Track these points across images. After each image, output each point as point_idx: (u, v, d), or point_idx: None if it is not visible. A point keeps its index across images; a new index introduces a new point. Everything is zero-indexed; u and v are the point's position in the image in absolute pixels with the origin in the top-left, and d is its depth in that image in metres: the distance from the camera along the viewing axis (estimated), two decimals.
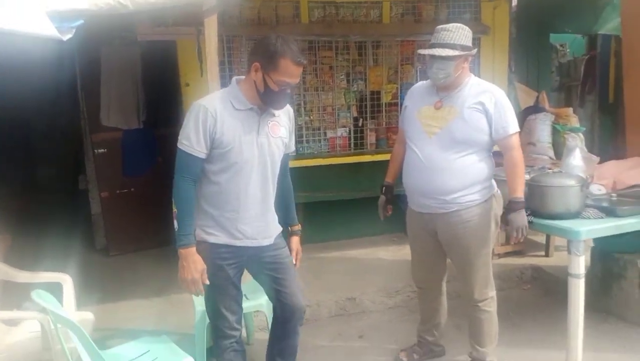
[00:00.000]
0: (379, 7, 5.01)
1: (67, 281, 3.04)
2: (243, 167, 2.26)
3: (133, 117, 5.21)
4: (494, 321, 2.86)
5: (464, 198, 2.62)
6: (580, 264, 2.78)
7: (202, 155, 2.24)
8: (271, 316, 2.67)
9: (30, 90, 6.09)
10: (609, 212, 2.93)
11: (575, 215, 2.90)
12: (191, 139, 2.21)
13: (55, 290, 2.91)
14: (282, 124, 2.39)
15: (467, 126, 2.56)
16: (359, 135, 5.13)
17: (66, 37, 2.16)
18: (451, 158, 2.58)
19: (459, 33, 2.53)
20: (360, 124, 5.13)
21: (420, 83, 2.86)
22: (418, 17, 5.13)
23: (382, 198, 2.99)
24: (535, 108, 5.38)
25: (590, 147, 6.48)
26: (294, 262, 2.62)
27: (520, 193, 2.59)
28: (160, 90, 5.02)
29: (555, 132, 5.28)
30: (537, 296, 4.02)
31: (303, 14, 4.84)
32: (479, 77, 5.23)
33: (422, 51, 2.62)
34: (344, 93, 5.07)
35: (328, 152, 5.06)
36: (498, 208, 2.74)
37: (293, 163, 4.67)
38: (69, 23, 2.17)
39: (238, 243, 2.34)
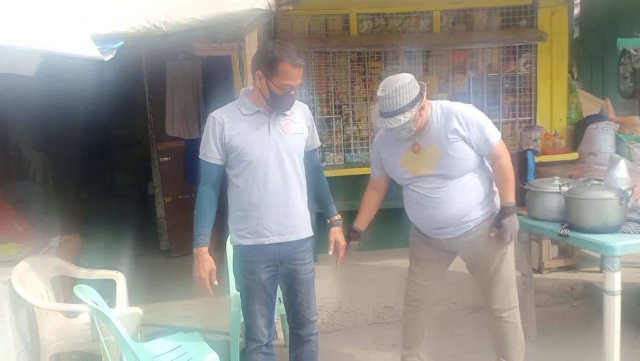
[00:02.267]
0: (429, 17, 5.03)
1: (120, 279, 3.31)
2: (258, 165, 2.38)
3: (194, 127, 5.54)
4: (519, 333, 2.78)
5: (477, 213, 2.61)
6: (615, 280, 2.67)
7: (217, 162, 2.41)
8: None
9: (108, 102, 6.67)
10: None
11: (614, 229, 2.79)
12: (205, 148, 2.42)
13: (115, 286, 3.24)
14: (296, 121, 2.48)
15: (454, 160, 2.51)
16: None
17: (107, 57, 2.40)
18: (455, 186, 2.55)
19: (400, 95, 2.39)
20: None
21: (382, 131, 2.71)
22: (470, 25, 5.08)
23: (353, 244, 2.77)
24: (598, 117, 5.17)
25: None
26: (338, 254, 2.63)
27: (511, 198, 2.57)
28: (219, 102, 5.30)
29: (619, 142, 5.04)
30: (585, 313, 3.83)
31: (352, 26, 4.96)
32: (536, 85, 5.19)
33: (377, 124, 2.53)
34: None
35: None
36: None
37: (340, 172, 4.88)
38: (111, 45, 2.41)
39: (266, 241, 2.43)
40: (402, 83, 2.41)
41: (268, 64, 2.31)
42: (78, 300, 3.38)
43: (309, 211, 2.56)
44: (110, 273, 3.33)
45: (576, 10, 6.06)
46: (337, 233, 2.62)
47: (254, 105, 2.43)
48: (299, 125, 2.49)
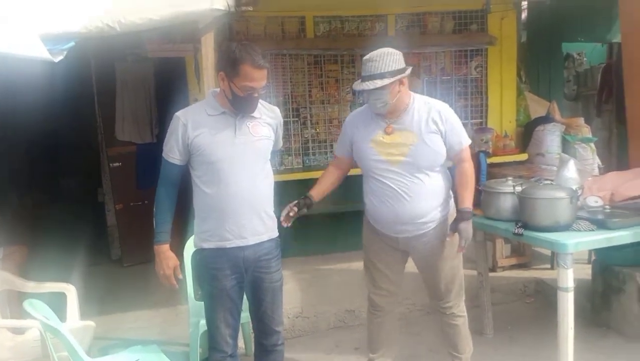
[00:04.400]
0: (384, 20, 5.07)
1: (70, 291, 3.17)
2: (221, 167, 2.34)
3: (146, 132, 5.39)
4: (466, 326, 2.88)
5: (437, 216, 2.64)
6: (568, 277, 2.77)
7: (177, 162, 2.38)
8: None
9: (55, 105, 6.38)
10: (601, 225, 2.91)
11: (566, 228, 2.89)
12: (166, 147, 2.40)
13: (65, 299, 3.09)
14: (264, 124, 2.46)
15: (430, 150, 2.54)
16: None
17: (57, 58, 2.29)
18: (421, 182, 2.56)
19: (384, 60, 2.47)
20: None
21: (359, 110, 2.78)
22: (424, 29, 5.16)
23: (295, 202, 2.69)
24: (545, 119, 5.34)
25: (608, 157, 6.40)
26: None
27: (469, 203, 2.61)
28: (171, 105, 5.17)
29: (566, 143, 5.23)
30: (538, 309, 3.97)
31: (309, 29, 4.94)
32: (487, 88, 5.33)
33: (354, 87, 2.59)
34: (350, 106, 5.13)
35: None
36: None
37: (299, 176, 4.86)
38: (61, 45, 2.31)
39: (227, 244, 2.39)
40: (388, 52, 2.51)
41: (230, 66, 2.28)
42: (25, 315, 3.24)
43: (275, 216, 2.53)
44: (60, 285, 3.19)
45: (524, 15, 6.26)
46: None
47: (220, 106, 2.40)
48: (267, 128, 2.47)
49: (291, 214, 2.65)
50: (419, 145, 2.52)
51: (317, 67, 5.04)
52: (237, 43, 2.34)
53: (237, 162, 2.35)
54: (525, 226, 2.97)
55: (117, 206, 5.36)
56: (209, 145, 2.34)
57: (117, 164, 5.30)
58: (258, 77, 2.28)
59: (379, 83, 2.44)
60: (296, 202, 2.69)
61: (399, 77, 2.47)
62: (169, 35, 4.12)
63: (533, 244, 3.48)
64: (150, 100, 5.38)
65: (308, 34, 4.95)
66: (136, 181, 5.34)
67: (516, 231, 2.98)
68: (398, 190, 2.56)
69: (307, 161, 5.10)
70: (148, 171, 5.33)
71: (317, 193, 2.77)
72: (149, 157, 5.31)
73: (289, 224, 2.66)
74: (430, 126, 2.54)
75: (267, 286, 2.50)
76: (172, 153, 2.37)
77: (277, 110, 2.57)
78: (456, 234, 2.61)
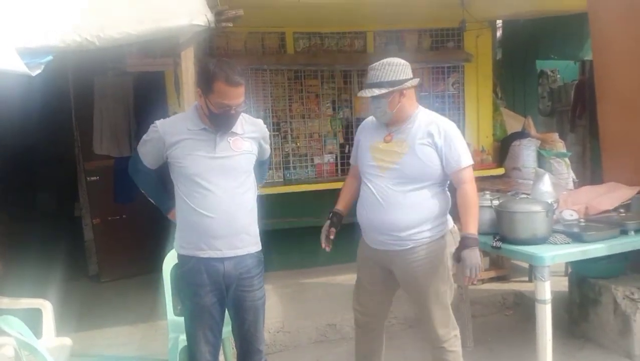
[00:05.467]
0: (363, 37, 5.14)
1: (46, 308, 3.10)
2: (199, 180, 2.34)
3: (125, 145, 5.34)
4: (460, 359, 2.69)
5: (419, 235, 2.51)
6: (546, 290, 2.81)
7: (149, 165, 2.49)
8: None
9: (31, 119, 6.28)
10: (576, 238, 2.97)
11: (542, 241, 2.94)
12: (141, 149, 2.50)
13: (41, 316, 3.02)
14: (247, 139, 2.45)
15: (419, 162, 2.49)
16: (345, 160, 5.20)
17: (35, 72, 2.27)
18: (404, 194, 2.50)
19: (384, 70, 2.49)
20: (347, 150, 5.21)
21: (371, 117, 2.76)
22: (402, 46, 5.25)
23: (327, 223, 2.76)
24: (521, 134, 5.45)
25: (582, 171, 6.55)
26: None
27: (473, 229, 2.43)
28: (150, 119, 5.14)
29: (541, 157, 5.35)
30: (517, 322, 4.02)
31: (289, 45, 4.98)
32: (464, 104, 5.43)
33: (359, 94, 2.61)
34: (330, 120, 5.18)
35: (315, 178, 5.14)
36: (454, 245, 2.58)
37: (280, 189, 4.86)
38: (39, 59, 2.30)
39: (202, 254, 2.37)
40: (390, 62, 2.50)
41: (205, 82, 2.29)
42: None
43: (257, 230, 2.52)
44: (36, 301, 3.11)
45: (499, 33, 6.42)
46: None
47: (200, 122, 2.40)
48: (248, 142, 2.46)
49: (331, 237, 2.71)
50: (409, 154, 2.50)
51: (298, 82, 5.08)
52: (214, 60, 2.35)
53: (214, 176, 2.35)
54: (503, 239, 3.02)
55: (94, 220, 5.28)
56: (186, 159, 2.35)
57: (94, 178, 5.23)
58: (232, 95, 2.26)
59: (375, 92, 2.47)
60: (328, 222, 2.73)
61: (397, 88, 2.45)
62: (149, 49, 4.11)
63: (511, 257, 3.53)
64: (129, 113, 5.35)
65: (288, 50, 4.99)
66: (114, 195, 5.27)
67: (494, 244, 3.03)
68: (377, 195, 2.54)
69: (287, 175, 5.11)
70: (126, 185, 5.24)
71: (343, 206, 2.81)
72: (127, 171, 5.25)
73: (330, 247, 2.73)
74: (425, 138, 2.49)
75: (250, 305, 2.47)
76: (145, 157, 2.48)
77: (260, 122, 2.58)
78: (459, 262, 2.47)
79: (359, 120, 5.23)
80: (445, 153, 2.48)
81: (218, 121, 2.34)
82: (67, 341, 3.02)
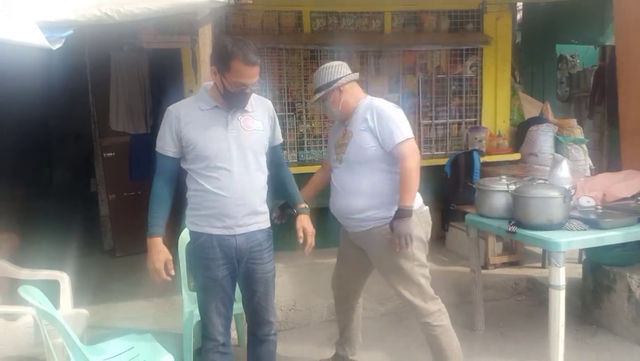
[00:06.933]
0: (380, 18, 5.09)
1: (64, 279, 3.15)
2: (214, 160, 2.35)
3: (141, 122, 5.36)
4: (450, 335, 2.77)
5: (377, 215, 2.65)
6: (560, 275, 2.80)
7: (171, 154, 2.39)
8: None
9: (48, 94, 6.33)
10: (593, 224, 2.95)
11: (558, 227, 2.92)
12: (161, 140, 2.40)
13: (58, 287, 3.07)
14: (257, 118, 2.46)
15: (358, 147, 2.66)
16: None
17: (55, 46, 2.28)
18: (355, 179, 2.68)
19: (321, 74, 2.72)
20: None
21: None
22: (420, 27, 5.19)
23: (290, 211, 2.83)
24: (538, 119, 5.40)
25: (599, 158, 6.48)
26: (306, 242, 2.59)
27: (407, 202, 2.53)
28: (166, 96, 5.16)
29: (558, 143, 5.29)
30: (530, 307, 4.01)
31: (305, 24, 4.94)
32: (481, 87, 5.36)
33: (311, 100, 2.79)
34: None
35: None
36: (420, 224, 2.68)
37: (294, 170, 4.78)
38: (59, 33, 2.30)
39: (215, 231, 2.39)
40: (327, 65, 2.74)
41: (221, 60, 2.29)
42: (17, 303, 3.22)
43: (267, 208, 2.54)
44: (54, 273, 3.16)
45: (519, 16, 6.32)
46: (304, 221, 2.60)
47: (212, 100, 2.40)
48: (259, 122, 2.48)
49: (276, 222, 2.82)
50: (352, 142, 2.69)
51: (314, 62, 5.04)
52: (230, 38, 2.33)
53: (228, 156, 2.36)
54: (519, 224, 3.01)
55: (110, 196, 5.33)
56: (201, 140, 2.35)
57: (110, 154, 5.27)
58: (249, 73, 2.29)
59: (317, 96, 2.75)
60: (278, 211, 2.87)
61: (333, 87, 2.68)
62: (165, 26, 4.10)
63: (526, 242, 3.52)
64: (145, 91, 5.35)
65: (305, 29, 4.96)
66: (129, 172, 5.31)
67: (509, 229, 3.02)
68: (336, 184, 2.78)
69: (302, 155, 5.12)
70: (141, 162, 5.33)
71: (306, 196, 2.87)
72: (142, 148, 5.30)
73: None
74: (362, 124, 2.65)
75: (260, 277, 2.51)
76: (167, 146, 2.38)
77: (268, 102, 2.59)
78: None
79: None
80: (379, 133, 2.61)
81: (233, 99, 2.36)
82: (83, 312, 3.07)
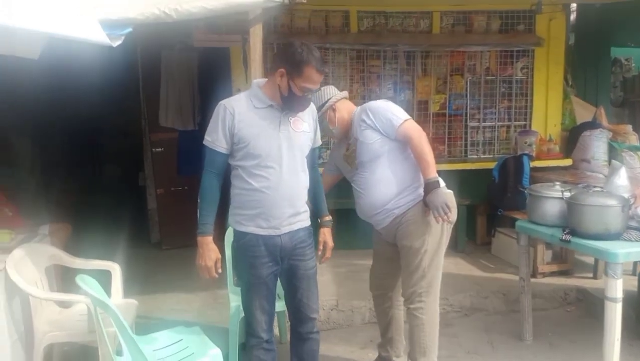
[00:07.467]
0: (429, 17, 5.03)
1: (115, 270, 3.24)
2: (265, 159, 2.37)
3: (189, 119, 5.48)
4: (426, 332, 2.77)
5: (400, 201, 2.74)
6: (617, 287, 2.69)
7: (223, 150, 2.38)
8: None
9: (98, 90, 6.54)
10: None
11: (616, 237, 2.82)
12: (212, 135, 2.39)
13: (108, 278, 3.16)
14: (304, 120, 2.50)
15: (365, 144, 2.76)
16: None
17: (116, 43, 2.34)
18: (371, 175, 2.77)
19: (314, 100, 2.74)
20: None
21: None
22: (469, 27, 5.10)
23: None
24: (592, 124, 5.23)
25: None
26: (324, 254, 2.68)
27: (430, 173, 2.61)
28: (214, 94, 5.24)
29: (612, 150, 5.11)
30: (579, 318, 3.88)
31: (352, 23, 4.93)
32: (532, 90, 5.22)
33: None
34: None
35: None
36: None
37: None
38: (119, 31, 2.35)
39: (261, 232, 2.41)
40: (314, 93, 2.69)
41: (294, 65, 2.31)
42: (69, 291, 3.33)
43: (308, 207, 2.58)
44: (106, 263, 3.25)
45: (572, 17, 6.11)
46: (326, 234, 2.70)
47: (268, 99, 2.42)
48: (306, 123, 2.51)
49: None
50: (359, 145, 2.80)
51: (360, 62, 5.04)
52: (300, 43, 2.37)
53: (279, 155, 2.38)
54: (573, 232, 2.91)
55: (158, 190, 5.46)
56: (254, 138, 2.36)
57: (159, 149, 5.40)
58: (317, 80, 2.37)
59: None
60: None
61: (324, 108, 2.83)
62: (215, 25, 4.16)
63: (580, 251, 3.39)
64: (193, 88, 5.47)
65: (352, 29, 4.95)
66: (177, 167, 5.43)
67: (563, 237, 2.93)
68: (356, 187, 2.87)
69: None
70: (189, 158, 5.44)
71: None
72: (190, 144, 5.41)
73: None
74: (361, 125, 2.77)
75: (302, 273, 2.54)
76: (219, 141, 2.37)
77: (313, 106, 2.63)
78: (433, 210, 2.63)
79: (420, 103, 5.19)
80: (380, 126, 2.71)
81: (295, 102, 2.39)
82: (133, 302, 3.15)
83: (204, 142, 2.43)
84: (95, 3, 2.51)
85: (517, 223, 3.43)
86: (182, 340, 2.57)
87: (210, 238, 2.43)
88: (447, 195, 2.74)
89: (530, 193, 3.30)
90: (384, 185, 2.75)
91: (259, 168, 2.38)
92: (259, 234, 2.42)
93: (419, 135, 2.66)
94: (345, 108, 2.88)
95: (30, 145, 5.86)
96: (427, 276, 2.75)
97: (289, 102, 2.38)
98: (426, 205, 2.64)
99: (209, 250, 2.41)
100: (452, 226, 2.82)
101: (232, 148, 2.40)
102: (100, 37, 2.33)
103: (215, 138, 2.38)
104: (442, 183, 2.78)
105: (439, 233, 2.74)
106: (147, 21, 2.58)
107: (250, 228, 2.43)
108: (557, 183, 3.28)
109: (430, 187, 2.61)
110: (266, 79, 2.48)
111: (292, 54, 2.32)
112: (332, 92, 2.89)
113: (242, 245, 2.46)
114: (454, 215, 2.70)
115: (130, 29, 2.53)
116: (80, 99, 6.52)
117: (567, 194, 3.01)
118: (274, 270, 2.49)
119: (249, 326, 2.55)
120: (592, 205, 2.83)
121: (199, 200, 2.45)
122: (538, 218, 3.21)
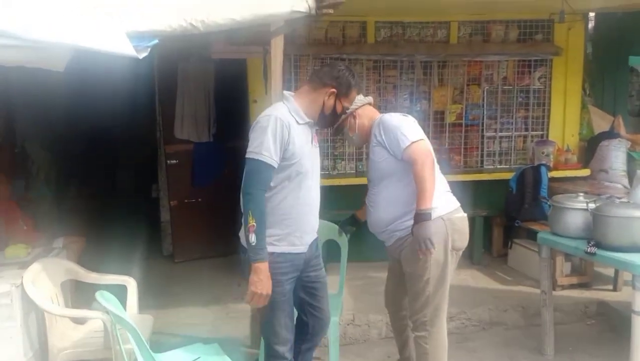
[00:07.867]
0: (446, 27, 5.00)
1: (131, 284, 3.21)
2: (303, 178, 2.39)
3: (204, 131, 5.46)
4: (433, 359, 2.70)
5: (404, 224, 2.65)
6: None
7: (275, 164, 2.30)
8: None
9: (113, 101, 6.58)
10: None
11: None
12: (270, 150, 2.27)
13: (121, 291, 3.12)
14: (317, 133, 2.63)
15: (373, 162, 2.74)
16: None
17: (142, 55, 2.32)
18: (379, 194, 2.73)
19: None
20: None
21: None
22: (487, 37, 5.06)
23: (350, 228, 3.17)
24: (610, 134, 5.16)
25: None
26: None
27: (424, 205, 2.48)
28: (230, 106, 5.24)
29: (631, 160, 5.03)
30: (600, 332, 3.79)
31: (370, 34, 4.92)
32: (550, 100, 5.16)
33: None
34: (407, 112, 5.05)
35: None
36: (447, 232, 2.63)
37: (351, 181, 4.82)
38: (145, 42, 2.33)
39: (295, 250, 2.41)
40: None
41: (345, 87, 2.47)
42: (83, 304, 3.30)
43: None
44: (122, 278, 3.22)
45: (590, 25, 6.04)
46: None
47: (306, 115, 2.45)
48: (317, 136, 2.61)
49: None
50: (370, 161, 2.79)
51: (376, 73, 5.01)
52: (346, 66, 2.56)
53: (312, 171, 2.45)
54: (598, 245, 2.85)
55: (171, 202, 5.44)
56: (300, 155, 2.35)
57: (174, 161, 5.38)
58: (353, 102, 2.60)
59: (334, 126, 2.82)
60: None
61: (344, 117, 2.71)
62: (234, 36, 4.15)
63: (605, 264, 3.31)
64: (209, 100, 5.45)
65: (369, 39, 4.93)
66: (192, 179, 5.42)
67: (589, 250, 2.87)
68: (367, 202, 2.84)
69: (360, 166, 5.06)
70: (204, 170, 5.44)
71: (362, 214, 3.03)
72: (205, 156, 5.41)
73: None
74: (373, 140, 2.71)
75: (323, 282, 2.62)
76: (275, 156, 2.27)
77: None
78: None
79: (437, 114, 5.14)
80: (388, 145, 2.63)
81: (332, 120, 2.56)
82: (149, 318, 3.12)
83: (256, 157, 2.27)
84: (121, 15, 2.49)
85: (539, 235, 3.37)
86: (200, 358, 2.53)
87: (267, 265, 2.29)
88: (459, 219, 2.70)
89: (553, 204, 3.24)
90: (389, 206, 2.70)
91: (301, 184, 2.39)
92: (290, 253, 2.40)
93: (423, 161, 2.52)
94: (366, 115, 2.80)
95: (46, 155, 5.89)
96: (431, 305, 2.67)
97: (326, 119, 2.51)
98: (412, 233, 2.56)
99: (267, 277, 2.29)
100: (459, 254, 2.73)
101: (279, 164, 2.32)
102: (127, 49, 2.31)
103: (271, 153, 2.26)
104: (452, 206, 2.71)
105: (442, 260, 2.64)
106: (175, 33, 2.53)
107: (282, 248, 2.38)
108: (581, 194, 3.22)
109: (419, 218, 2.49)
110: (293, 92, 2.52)
111: (344, 77, 2.47)
112: (355, 99, 2.79)
113: (270, 262, 2.33)
114: (461, 243, 2.69)
115: (156, 41, 2.50)
116: (96, 110, 6.57)
117: (592, 205, 2.96)
118: (293, 285, 2.48)
119: (271, 349, 2.49)
120: (619, 217, 2.77)
121: (253, 223, 2.24)
122: (561, 230, 3.15)
